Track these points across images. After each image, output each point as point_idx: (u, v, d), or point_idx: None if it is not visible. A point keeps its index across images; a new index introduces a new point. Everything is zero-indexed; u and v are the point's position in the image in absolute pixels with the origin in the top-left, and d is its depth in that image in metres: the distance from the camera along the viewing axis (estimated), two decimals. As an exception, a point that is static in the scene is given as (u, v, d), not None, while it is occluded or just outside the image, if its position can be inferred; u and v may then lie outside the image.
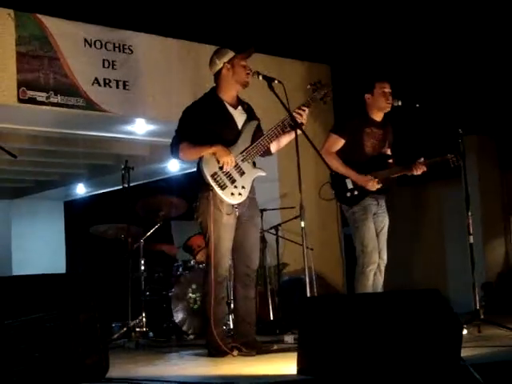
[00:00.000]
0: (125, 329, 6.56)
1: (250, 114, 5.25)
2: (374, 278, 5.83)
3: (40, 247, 12.59)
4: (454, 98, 8.25)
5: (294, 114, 4.99)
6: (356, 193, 5.86)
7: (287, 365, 3.85)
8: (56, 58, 7.04)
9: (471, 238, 5.87)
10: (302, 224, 5.00)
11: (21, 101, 6.84)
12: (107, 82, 7.34)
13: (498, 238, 9.18)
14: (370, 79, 6.01)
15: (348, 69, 9.00)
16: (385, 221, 5.96)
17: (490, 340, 4.96)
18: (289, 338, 5.51)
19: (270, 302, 7.37)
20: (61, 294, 3.50)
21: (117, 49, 7.46)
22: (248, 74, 5.11)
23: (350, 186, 5.89)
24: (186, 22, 8.31)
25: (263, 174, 5.12)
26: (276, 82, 5.21)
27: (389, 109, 5.90)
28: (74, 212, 12.89)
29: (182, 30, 8.06)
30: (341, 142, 5.91)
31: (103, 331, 3.61)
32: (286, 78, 5.57)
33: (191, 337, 6.76)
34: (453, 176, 6.97)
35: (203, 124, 4.99)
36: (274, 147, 5.28)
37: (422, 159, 5.88)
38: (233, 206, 4.96)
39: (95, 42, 7.30)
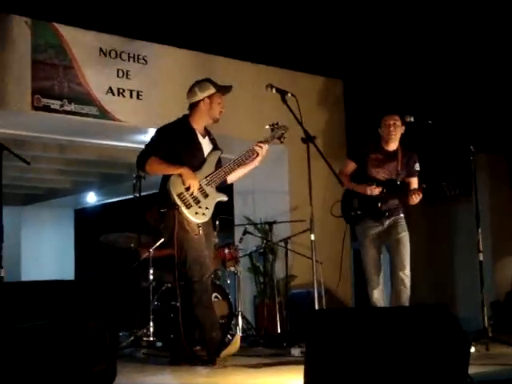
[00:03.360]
0: (132, 338, 6.57)
1: (215, 144, 5.49)
2: (398, 291, 5.94)
3: (49, 255, 12.64)
4: (466, 115, 8.25)
5: (254, 147, 5.37)
6: (359, 212, 6.08)
7: (294, 378, 3.85)
8: (71, 66, 7.09)
9: (481, 255, 5.87)
10: (312, 237, 5.02)
11: (35, 108, 6.89)
12: (121, 91, 7.39)
13: (507, 256, 9.15)
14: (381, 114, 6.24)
15: (361, 84, 9.03)
16: (401, 234, 6.02)
17: (498, 358, 4.95)
18: (296, 352, 5.50)
19: (277, 314, 7.38)
20: (71, 301, 3.51)
21: (131, 59, 7.51)
22: (221, 111, 5.38)
23: (355, 205, 6.13)
24: (200, 34, 8.36)
25: (225, 198, 5.41)
26: (289, 95, 5.28)
27: (392, 140, 6.07)
28: (85, 220, 12.93)
29: (196, 41, 8.11)
30: (352, 165, 6.22)
31: (112, 339, 3.63)
32: (299, 91, 5.60)
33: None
34: (463, 193, 6.97)
35: (174, 147, 5.23)
36: (232, 177, 5.50)
37: (422, 185, 6.01)
38: (197, 225, 5.17)
39: (110, 51, 7.35)
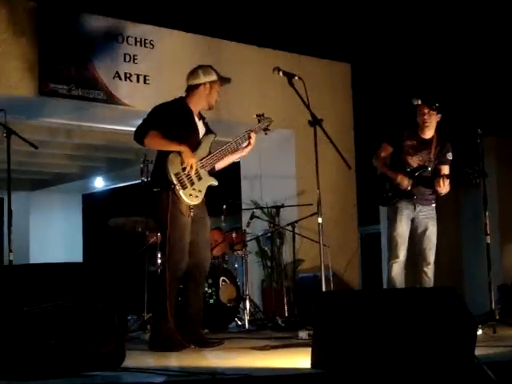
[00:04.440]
0: (140, 321, 6.61)
1: (208, 128, 5.46)
2: (421, 281, 6.04)
3: (57, 239, 12.68)
4: (473, 98, 8.23)
5: (245, 135, 5.37)
6: (390, 194, 6.14)
7: (301, 359, 3.87)
8: (78, 51, 7.08)
9: (488, 238, 5.88)
10: (320, 220, 5.02)
11: (42, 93, 6.90)
12: (128, 76, 7.39)
13: (515, 240, 9.14)
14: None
15: (369, 67, 9.01)
16: (427, 226, 6.11)
17: (505, 340, 4.95)
18: (303, 334, 5.52)
19: (285, 298, 7.40)
20: (79, 283, 3.53)
21: (138, 43, 7.51)
22: (217, 100, 5.40)
23: (387, 187, 6.19)
24: (207, 18, 8.35)
25: (216, 183, 5.34)
26: (296, 78, 5.28)
27: (427, 128, 6.10)
28: (92, 205, 12.97)
29: (203, 25, 8.10)
30: (388, 149, 6.25)
31: (120, 321, 3.65)
32: (306, 75, 5.60)
33: (206, 331, 6.79)
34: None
35: (172, 125, 5.18)
36: (220, 164, 5.46)
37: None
38: (189, 207, 5.12)
39: (117, 35, 7.35)
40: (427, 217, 6.14)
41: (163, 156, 5.12)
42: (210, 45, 8.00)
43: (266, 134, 5.60)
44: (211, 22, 8.30)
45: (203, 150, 5.29)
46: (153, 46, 7.59)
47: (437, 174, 6.12)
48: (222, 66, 7.85)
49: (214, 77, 5.34)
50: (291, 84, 5.35)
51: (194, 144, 5.23)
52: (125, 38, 7.41)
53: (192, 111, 5.31)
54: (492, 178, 8.50)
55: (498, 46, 8.36)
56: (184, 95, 5.37)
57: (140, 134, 5.18)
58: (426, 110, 6.06)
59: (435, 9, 8.54)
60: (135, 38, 7.48)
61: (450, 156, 6.19)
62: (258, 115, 5.55)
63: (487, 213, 5.91)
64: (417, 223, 6.13)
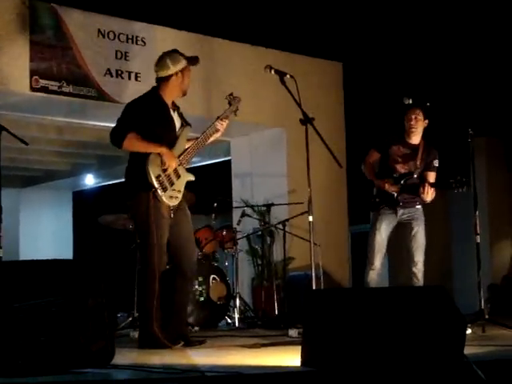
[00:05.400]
0: (130, 319, 6.61)
1: (184, 119, 5.32)
2: (411, 282, 6.05)
3: (48, 236, 12.65)
4: (464, 98, 8.25)
5: (216, 123, 5.27)
6: (377, 200, 6.17)
7: (291, 357, 3.88)
8: (69, 47, 7.07)
9: (478, 238, 5.91)
10: (310, 218, 5.03)
11: (33, 89, 6.88)
12: (119, 73, 7.38)
13: (504, 239, 9.18)
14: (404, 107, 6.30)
15: (360, 66, 9.02)
16: (412, 226, 6.13)
17: (494, 339, 4.98)
18: (293, 332, 5.53)
19: (275, 296, 7.41)
20: (69, 280, 3.53)
21: (130, 40, 7.49)
22: (188, 84, 5.23)
23: (374, 193, 6.25)
24: (199, 16, 8.34)
25: (193, 178, 5.23)
26: (288, 76, 5.27)
27: (414, 133, 6.14)
28: (83, 202, 12.94)
29: (195, 23, 8.09)
30: (375, 155, 6.31)
31: (110, 318, 3.64)
32: (298, 74, 5.60)
33: (196, 329, 6.79)
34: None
35: (148, 122, 5.03)
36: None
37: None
38: (169, 207, 5.04)
39: (108, 33, 7.33)
40: (412, 217, 6.14)
41: (140, 157, 4.98)
42: (202, 42, 7.98)
43: (235, 115, 5.45)
44: (203, 20, 8.29)
45: (181, 144, 5.17)
46: (144, 43, 7.57)
47: (423, 181, 6.13)
48: (214, 64, 7.91)
49: (183, 63, 5.14)
50: (283, 82, 5.36)
51: (171, 139, 5.11)
52: (116, 35, 7.38)
53: (167, 104, 5.16)
54: (482, 177, 8.55)
55: (488, 47, 8.39)
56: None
57: (118, 138, 5.02)
58: (414, 116, 6.09)
59: (427, 9, 8.56)
60: (127, 35, 7.46)
61: (436, 163, 6.21)
62: (228, 95, 5.43)
63: (477, 212, 5.94)
64: (402, 226, 6.17)
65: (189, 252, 5.22)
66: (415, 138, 6.17)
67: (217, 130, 5.29)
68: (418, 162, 6.15)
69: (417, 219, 6.15)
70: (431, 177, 6.17)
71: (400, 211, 6.12)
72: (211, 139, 5.35)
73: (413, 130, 6.12)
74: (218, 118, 5.32)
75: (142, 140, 4.98)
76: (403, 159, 6.16)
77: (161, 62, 5.16)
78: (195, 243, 7.48)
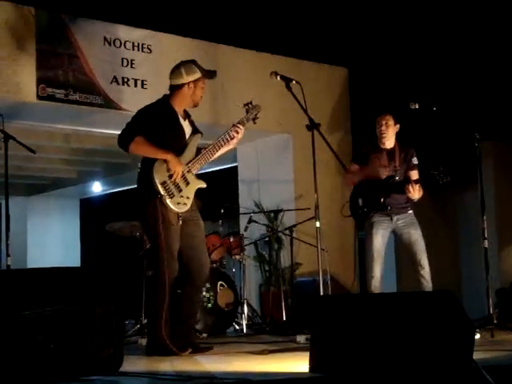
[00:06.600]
0: (138, 326, 6.61)
1: (195, 127, 5.33)
2: (420, 285, 6.01)
3: (55, 244, 12.67)
4: (471, 102, 8.24)
5: (232, 129, 5.24)
6: (365, 209, 6.15)
7: (299, 363, 3.88)
8: (75, 55, 7.09)
9: (486, 242, 5.89)
10: (318, 224, 5.02)
11: (40, 98, 6.90)
12: (125, 80, 7.40)
13: (513, 244, 9.15)
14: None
15: (366, 71, 9.02)
16: (412, 233, 6.10)
17: (503, 344, 4.96)
18: (301, 339, 5.52)
19: (283, 302, 7.40)
20: (77, 287, 3.53)
21: (136, 48, 7.51)
22: (202, 96, 5.25)
23: (360, 204, 6.20)
24: (204, 23, 8.35)
25: (204, 185, 5.22)
26: (294, 82, 5.28)
27: (385, 139, 6.15)
28: (90, 209, 12.96)
29: (200, 30, 8.11)
30: (355, 167, 6.29)
31: (118, 325, 3.64)
32: (304, 79, 5.61)
33: (204, 335, 6.79)
34: (469, 181, 6.97)
35: (157, 128, 5.06)
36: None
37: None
38: (178, 214, 5.04)
39: (115, 40, 7.36)
40: (406, 224, 6.13)
41: (149, 164, 5.01)
42: (207, 49, 7.99)
43: (254, 123, 5.43)
44: (209, 27, 8.30)
45: (190, 151, 5.17)
46: (150, 50, 7.59)
47: (407, 181, 6.13)
48: (219, 71, 7.86)
49: (197, 74, 5.17)
50: (289, 88, 5.37)
51: (180, 146, 5.13)
52: (122, 43, 7.41)
53: (176, 112, 5.18)
54: (490, 182, 8.52)
55: (495, 51, 8.38)
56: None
57: (125, 140, 5.06)
58: (384, 121, 6.13)
59: (432, 14, 8.56)
60: (133, 43, 7.48)
61: (415, 161, 6.21)
62: (245, 104, 5.42)
63: (485, 217, 5.92)
64: (399, 233, 6.15)
65: (200, 263, 5.21)
66: (388, 143, 6.19)
67: (231, 138, 5.26)
68: (397, 164, 6.16)
69: (412, 225, 6.13)
70: (414, 175, 6.18)
71: (395, 216, 6.11)
72: (226, 148, 5.33)
73: (384, 135, 6.14)
74: (234, 125, 5.31)
75: (149, 144, 5.01)
76: (383, 165, 6.16)
77: (175, 70, 5.21)
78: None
